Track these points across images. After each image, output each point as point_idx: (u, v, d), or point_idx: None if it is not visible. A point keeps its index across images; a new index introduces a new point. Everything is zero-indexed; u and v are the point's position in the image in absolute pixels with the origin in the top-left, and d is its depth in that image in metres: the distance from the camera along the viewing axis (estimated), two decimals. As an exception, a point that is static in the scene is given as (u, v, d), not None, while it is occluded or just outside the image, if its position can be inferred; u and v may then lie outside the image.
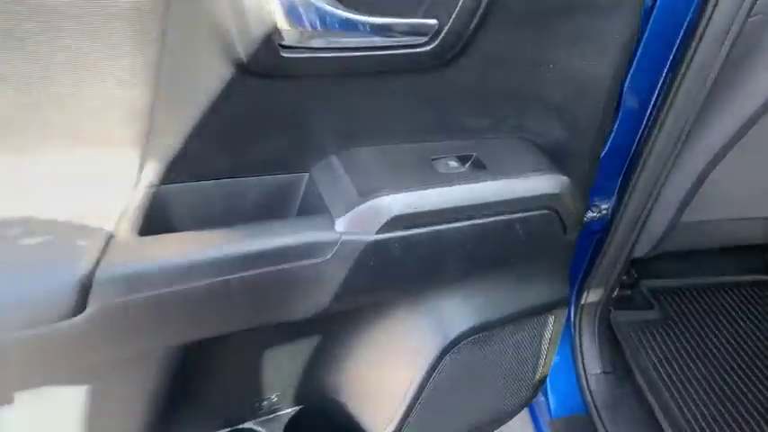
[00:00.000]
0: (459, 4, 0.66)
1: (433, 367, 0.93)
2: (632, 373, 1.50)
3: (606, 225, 1.28)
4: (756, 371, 1.51)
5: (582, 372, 1.50)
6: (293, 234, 0.68)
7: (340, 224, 0.69)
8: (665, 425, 1.38)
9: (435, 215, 0.73)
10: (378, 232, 0.69)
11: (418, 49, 0.68)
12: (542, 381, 1.26)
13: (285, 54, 0.62)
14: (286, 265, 0.67)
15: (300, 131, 0.74)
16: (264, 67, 0.63)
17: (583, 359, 1.50)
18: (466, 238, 0.77)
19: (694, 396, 1.44)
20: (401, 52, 0.68)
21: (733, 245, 1.70)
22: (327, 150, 0.77)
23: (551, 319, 1.09)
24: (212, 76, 0.63)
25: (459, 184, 0.74)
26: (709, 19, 0.90)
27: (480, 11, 0.67)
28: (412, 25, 0.67)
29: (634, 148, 1.14)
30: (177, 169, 0.70)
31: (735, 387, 1.46)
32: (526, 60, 0.77)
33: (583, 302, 1.47)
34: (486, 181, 0.76)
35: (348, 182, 0.73)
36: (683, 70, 0.98)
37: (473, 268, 0.82)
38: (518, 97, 0.81)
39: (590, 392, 1.48)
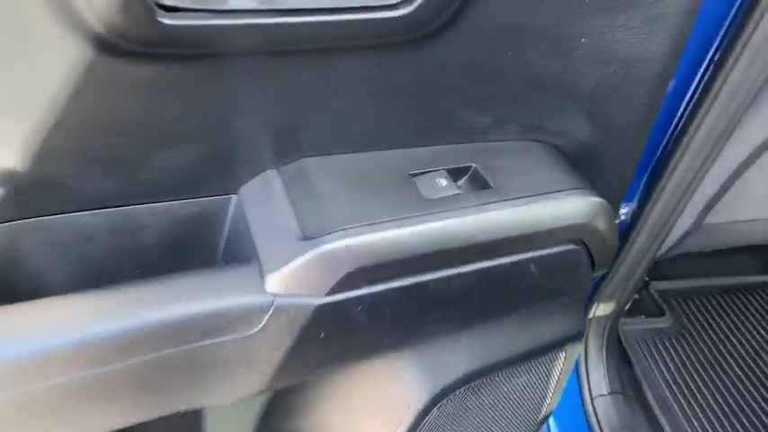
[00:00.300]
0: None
1: (417, 423, 0.73)
2: (643, 393, 1.35)
3: (624, 232, 1.08)
4: None
5: (587, 394, 1.33)
6: (204, 298, 0.45)
7: (274, 281, 0.46)
8: None
9: (415, 262, 0.50)
10: (330, 293, 0.47)
11: (387, 14, 0.44)
12: (546, 418, 1.08)
13: (167, 21, 0.38)
14: (193, 345, 0.45)
15: (219, 137, 0.50)
16: (138, 43, 0.39)
17: (588, 380, 1.33)
18: (461, 288, 0.54)
19: (712, 418, 1.29)
20: (362, 17, 0.44)
21: (757, 244, 1.52)
22: (262, 163, 0.54)
23: (563, 355, 0.90)
24: (61, 64, 0.39)
25: (451, 214, 0.52)
26: None
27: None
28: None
29: (665, 144, 0.93)
30: (36, 198, 0.46)
31: (757, 407, 1.30)
32: (545, 32, 0.54)
33: (591, 316, 1.28)
34: (488, 208, 0.53)
35: (288, 214, 0.50)
36: (736, 53, 0.76)
37: (469, 320, 0.60)
38: (534, 84, 0.58)
39: (596, 417, 1.32)
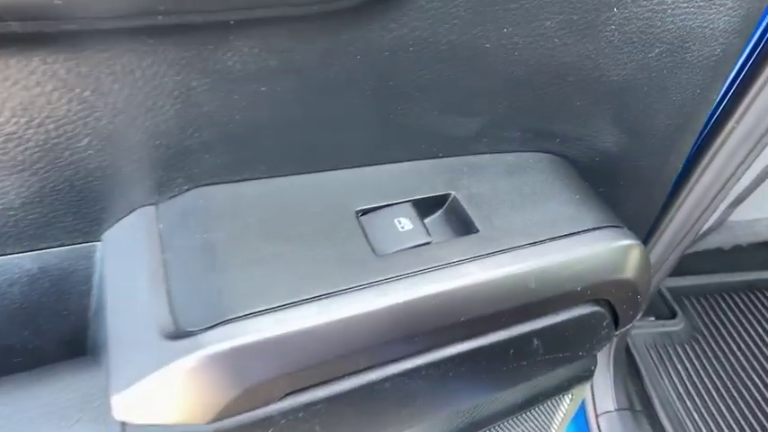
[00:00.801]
0: None
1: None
2: (653, 408, 1.21)
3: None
4: None
5: (592, 411, 1.19)
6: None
7: (124, 403, 0.29)
8: None
9: (363, 357, 0.33)
10: (217, 419, 0.30)
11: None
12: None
13: None
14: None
15: (68, 160, 0.33)
16: None
17: (593, 395, 1.19)
18: (434, 379, 0.37)
19: None
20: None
21: None
22: (134, 196, 0.36)
23: (568, 398, 0.74)
24: None
25: (416, 282, 0.34)
26: None
27: None
28: None
29: (699, 135, 0.76)
30: None
31: None
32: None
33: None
34: (473, 268, 0.35)
35: (158, 286, 0.33)
36: None
37: (451, 404, 0.44)
38: (541, 74, 0.40)
39: None
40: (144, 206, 0.37)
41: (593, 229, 0.40)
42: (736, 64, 0.66)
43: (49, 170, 0.34)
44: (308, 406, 0.32)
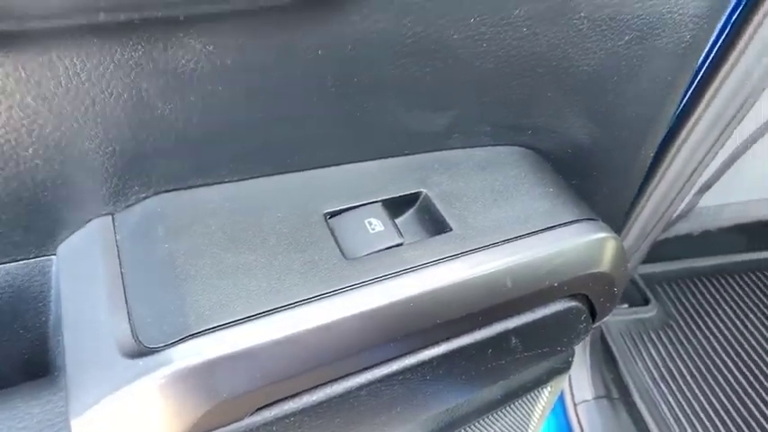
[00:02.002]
0: None
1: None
2: (629, 395, 1.23)
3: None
4: None
5: (570, 401, 1.20)
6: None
7: (81, 428, 0.27)
8: None
9: (334, 367, 0.32)
10: None
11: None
12: (527, 448, 0.94)
13: None
14: None
15: (16, 168, 0.31)
16: None
17: (571, 385, 1.20)
18: (410, 384, 0.36)
19: (705, 420, 1.18)
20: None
21: (744, 223, 1.40)
22: (90, 206, 0.34)
23: (547, 390, 0.74)
24: None
25: (387, 286, 0.33)
26: None
27: None
28: None
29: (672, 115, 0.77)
30: None
31: (752, 405, 1.19)
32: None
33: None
34: (446, 270, 0.34)
35: (117, 300, 0.31)
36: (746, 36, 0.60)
37: (427, 407, 0.42)
38: (510, 65, 0.39)
39: (580, 425, 1.20)
40: (99, 216, 0.35)
41: (568, 223, 0.39)
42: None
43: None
44: (280, 420, 0.31)
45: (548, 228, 0.38)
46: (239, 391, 0.29)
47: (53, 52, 0.28)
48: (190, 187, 0.36)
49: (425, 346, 0.35)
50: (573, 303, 0.40)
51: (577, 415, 1.20)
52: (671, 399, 1.23)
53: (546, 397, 0.77)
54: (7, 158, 0.31)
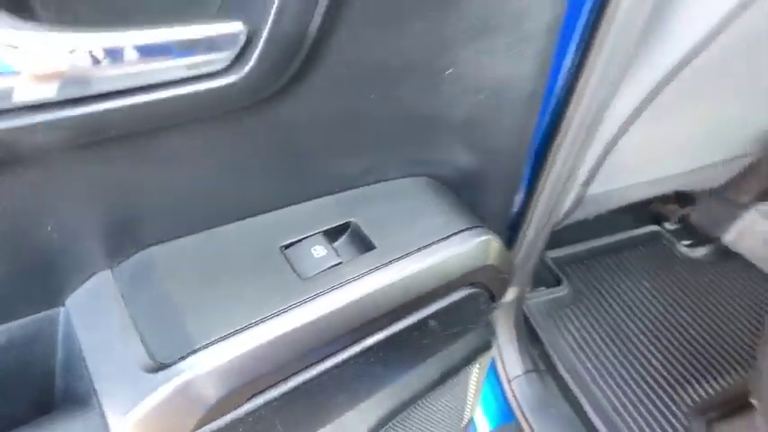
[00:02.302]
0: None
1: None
2: (555, 367, 1.39)
3: (517, 220, 1.09)
4: (667, 332, 1.47)
5: (505, 378, 1.35)
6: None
7: (122, 430, 0.37)
8: (595, 420, 1.28)
9: (301, 359, 0.43)
10: (197, 428, 0.38)
11: (215, 83, 0.36)
12: (470, 421, 1.08)
13: None
14: None
15: (33, 244, 0.40)
16: None
17: (503, 363, 1.35)
18: (359, 365, 0.48)
19: (618, 379, 1.38)
20: (186, 91, 0.35)
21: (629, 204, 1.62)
22: (92, 264, 0.44)
23: (476, 367, 0.88)
24: None
25: (333, 296, 0.45)
26: None
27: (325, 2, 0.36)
28: (196, 42, 0.34)
29: (545, 128, 0.93)
30: None
31: (652, 358, 1.40)
32: (409, 69, 0.48)
33: (497, 305, 1.29)
34: (375, 278, 0.47)
35: (130, 333, 0.41)
36: (594, 51, 0.76)
37: (375, 387, 0.55)
38: (406, 121, 0.52)
39: (516, 398, 1.35)
40: (101, 271, 0.44)
41: (461, 231, 0.53)
42: (560, 69, 0.83)
43: (12, 256, 0.40)
44: (268, 403, 0.42)
45: (445, 237, 0.52)
46: (234, 386, 0.40)
47: (46, 175, 0.37)
48: (171, 239, 0.46)
49: (367, 336, 0.48)
50: (473, 290, 0.54)
51: (512, 389, 1.34)
52: (589, 365, 1.40)
53: (476, 373, 0.91)
54: (35, 231, 0.40)
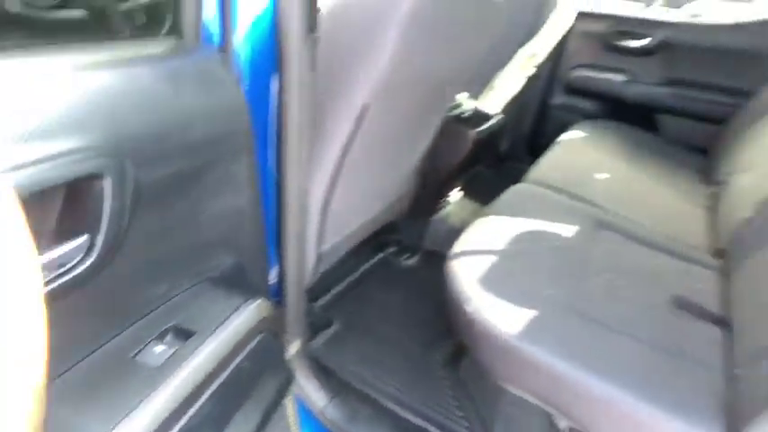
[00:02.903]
0: (107, 214, 0.60)
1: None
2: (351, 387, 1.65)
3: (278, 287, 1.37)
4: (417, 327, 1.86)
5: (316, 410, 1.56)
6: None
7: None
8: (400, 413, 1.59)
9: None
10: None
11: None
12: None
13: None
14: None
15: None
16: None
17: (311, 400, 1.57)
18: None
19: (401, 375, 1.68)
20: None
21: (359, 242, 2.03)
22: None
23: (289, 400, 1.14)
24: None
25: (176, 371, 0.70)
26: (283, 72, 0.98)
27: (127, 211, 0.64)
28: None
29: (274, 215, 1.24)
30: None
31: (415, 346, 1.78)
32: (184, 219, 0.78)
33: (289, 356, 1.55)
34: (196, 349, 0.74)
35: None
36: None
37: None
38: (189, 247, 0.81)
39: (330, 422, 1.57)
40: None
41: (243, 304, 0.84)
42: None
43: None
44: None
45: (235, 310, 0.82)
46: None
47: None
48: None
49: (199, 398, 0.73)
50: (261, 339, 0.85)
51: (325, 417, 1.57)
52: (375, 375, 1.68)
53: (291, 407, 1.16)
54: None
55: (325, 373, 1.66)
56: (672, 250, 1.58)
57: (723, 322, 1.26)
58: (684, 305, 1.29)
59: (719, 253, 1.59)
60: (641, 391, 0.99)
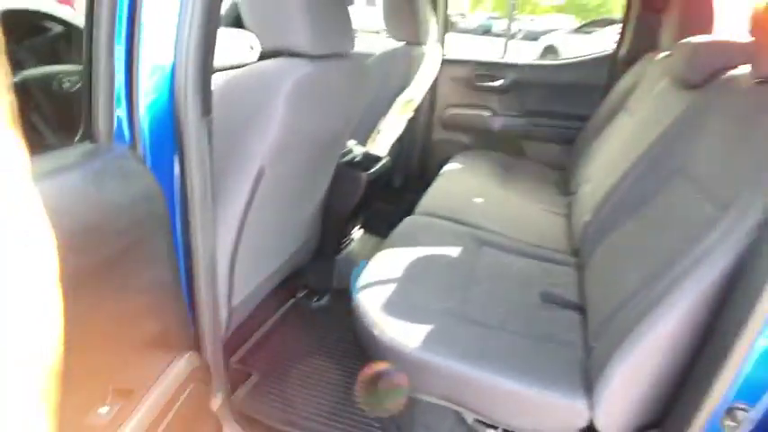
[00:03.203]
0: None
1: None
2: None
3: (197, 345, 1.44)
4: (330, 362, 1.93)
5: None
6: None
7: None
8: None
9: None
10: None
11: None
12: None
13: None
14: None
15: None
16: None
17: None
18: None
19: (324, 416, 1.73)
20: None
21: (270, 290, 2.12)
22: None
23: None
24: None
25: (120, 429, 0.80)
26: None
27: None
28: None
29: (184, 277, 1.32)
30: None
31: (336, 380, 1.88)
32: (115, 294, 0.88)
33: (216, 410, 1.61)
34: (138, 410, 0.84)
35: None
36: None
37: None
38: (120, 316, 0.91)
39: None
40: None
41: (177, 356, 0.95)
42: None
43: None
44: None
45: (169, 363, 0.92)
46: None
47: None
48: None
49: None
50: (195, 388, 0.96)
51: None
52: (302, 417, 1.78)
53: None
54: None
55: (250, 423, 1.68)
56: (539, 255, 1.88)
57: (580, 308, 1.54)
58: (550, 298, 1.56)
59: (575, 252, 1.92)
60: (521, 375, 1.22)
